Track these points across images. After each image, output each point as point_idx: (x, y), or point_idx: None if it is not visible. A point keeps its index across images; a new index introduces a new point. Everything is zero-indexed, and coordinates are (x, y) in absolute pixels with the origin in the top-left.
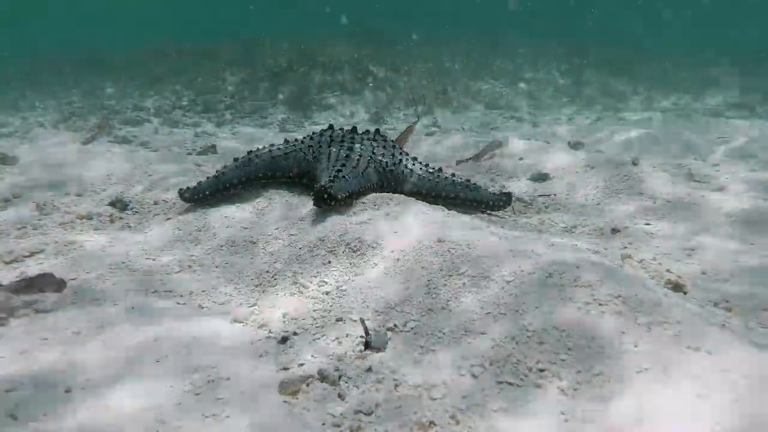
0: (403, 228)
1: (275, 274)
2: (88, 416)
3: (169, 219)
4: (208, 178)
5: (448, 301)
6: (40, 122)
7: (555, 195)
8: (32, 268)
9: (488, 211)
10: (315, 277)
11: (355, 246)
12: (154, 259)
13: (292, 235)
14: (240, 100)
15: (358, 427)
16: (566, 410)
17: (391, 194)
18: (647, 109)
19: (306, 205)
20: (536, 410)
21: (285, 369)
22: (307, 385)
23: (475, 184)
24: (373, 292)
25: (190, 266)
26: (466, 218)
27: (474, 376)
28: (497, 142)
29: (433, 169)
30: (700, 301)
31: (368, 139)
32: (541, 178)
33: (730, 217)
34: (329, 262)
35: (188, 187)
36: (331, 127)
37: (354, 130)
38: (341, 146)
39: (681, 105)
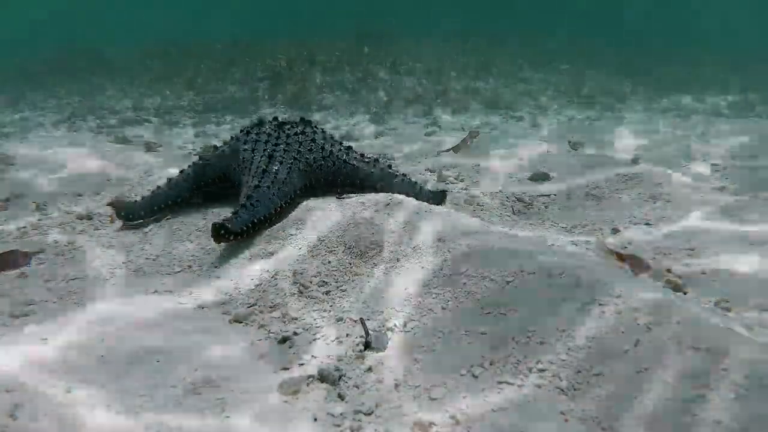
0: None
1: (275, 274)
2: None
3: (168, 218)
4: (143, 197)
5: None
6: (40, 122)
7: (555, 195)
8: (32, 267)
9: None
10: (315, 277)
11: (352, 246)
12: (154, 259)
13: (291, 234)
14: (240, 100)
15: (358, 427)
16: None
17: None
18: (647, 109)
19: (300, 206)
20: None
21: (285, 369)
22: (307, 385)
23: (410, 179)
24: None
25: (189, 266)
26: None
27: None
28: (475, 133)
29: (369, 158)
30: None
31: (295, 134)
32: (542, 177)
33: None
34: (329, 261)
35: (125, 209)
36: (260, 122)
37: (281, 126)
38: (264, 152)
39: (682, 105)
